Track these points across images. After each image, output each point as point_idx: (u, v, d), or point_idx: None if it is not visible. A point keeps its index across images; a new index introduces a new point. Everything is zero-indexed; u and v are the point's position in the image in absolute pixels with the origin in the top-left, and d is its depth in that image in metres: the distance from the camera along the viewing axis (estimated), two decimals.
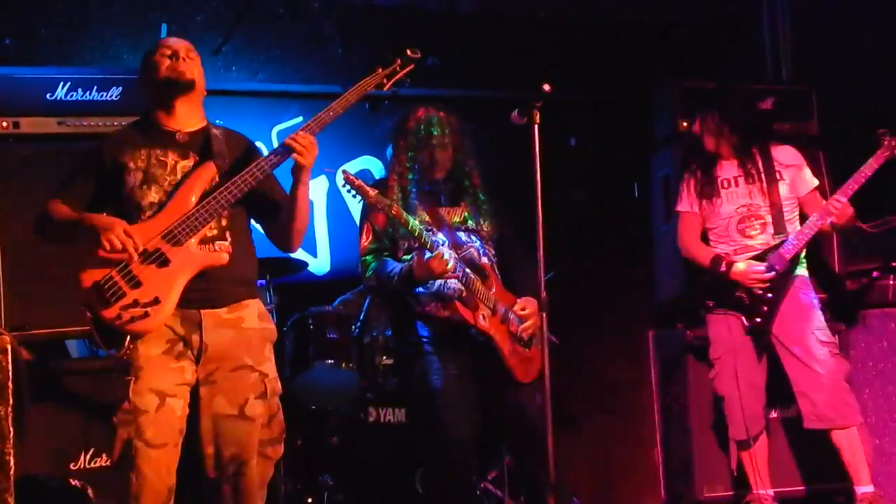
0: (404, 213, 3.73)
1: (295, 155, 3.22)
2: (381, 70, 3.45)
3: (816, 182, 4.65)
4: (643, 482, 5.69)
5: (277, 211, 3.38)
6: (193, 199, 3.19)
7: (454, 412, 3.79)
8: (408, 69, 3.48)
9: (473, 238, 3.98)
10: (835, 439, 4.46)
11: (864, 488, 4.46)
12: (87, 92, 4.52)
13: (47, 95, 4.51)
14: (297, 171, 3.28)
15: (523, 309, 3.94)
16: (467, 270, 3.83)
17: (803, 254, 4.63)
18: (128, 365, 3.12)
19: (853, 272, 5.33)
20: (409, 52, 3.47)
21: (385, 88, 3.46)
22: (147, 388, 3.10)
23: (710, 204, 4.67)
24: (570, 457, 5.01)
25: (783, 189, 4.61)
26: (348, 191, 3.72)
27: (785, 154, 4.68)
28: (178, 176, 3.24)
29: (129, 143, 3.29)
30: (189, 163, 3.27)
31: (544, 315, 3.56)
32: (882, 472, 4.89)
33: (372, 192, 3.69)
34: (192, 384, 3.19)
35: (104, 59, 5.16)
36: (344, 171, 3.75)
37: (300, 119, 5.66)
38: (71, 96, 4.49)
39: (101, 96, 4.54)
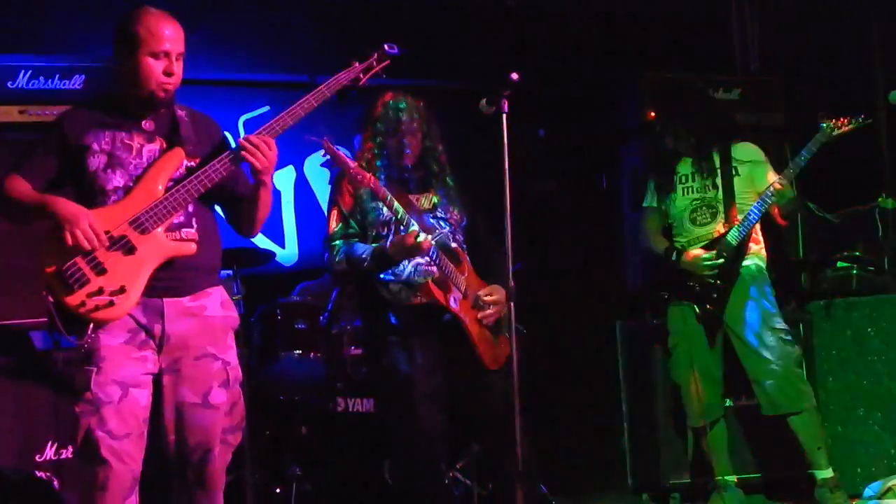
0: (383, 188, 3.72)
1: (248, 157, 3.16)
2: (357, 64, 3.41)
3: (776, 178, 4.69)
4: (610, 469, 5.72)
5: (240, 200, 3.34)
6: (161, 187, 3.13)
7: (422, 402, 3.79)
8: (384, 64, 3.45)
9: (443, 224, 3.98)
10: (790, 424, 4.53)
11: (823, 473, 4.51)
12: (50, 80, 4.47)
13: (8, 84, 4.46)
14: (253, 172, 3.23)
15: (489, 294, 3.94)
16: (440, 253, 3.83)
17: (760, 246, 4.70)
18: (90, 354, 3.07)
19: (818, 261, 5.38)
20: (386, 47, 3.45)
21: (361, 83, 3.43)
22: (110, 380, 3.06)
23: (668, 199, 4.78)
24: (538, 444, 5.02)
25: (738, 183, 4.68)
26: (328, 160, 3.71)
27: (744, 151, 4.76)
28: (145, 160, 3.17)
29: (93, 123, 3.18)
30: (155, 146, 3.20)
31: (512, 304, 3.57)
32: (844, 459, 4.93)
33: (352, 164, 3.69)
34: (154, 373, 3.15)
35: (67, 48, 5.08)
36: (325, 140, 3.73)
37: (267, 108, 5.63)
38: (33, 85, 4.45)
39: (64, 85, 4.49)
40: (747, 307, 4.58)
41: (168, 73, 3.16)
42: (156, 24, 3.15)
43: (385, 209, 3.82)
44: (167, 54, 3.15)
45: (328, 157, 3.69)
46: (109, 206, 3.11)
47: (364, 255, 3.85)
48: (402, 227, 3.72)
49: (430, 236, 3.77)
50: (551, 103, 6.02)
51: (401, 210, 3.73)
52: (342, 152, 3.70)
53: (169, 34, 3.15)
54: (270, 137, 3.20)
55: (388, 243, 3.77)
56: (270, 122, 3.24)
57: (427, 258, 3.81)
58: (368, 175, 3.70)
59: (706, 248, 4.62)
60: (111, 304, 3.03)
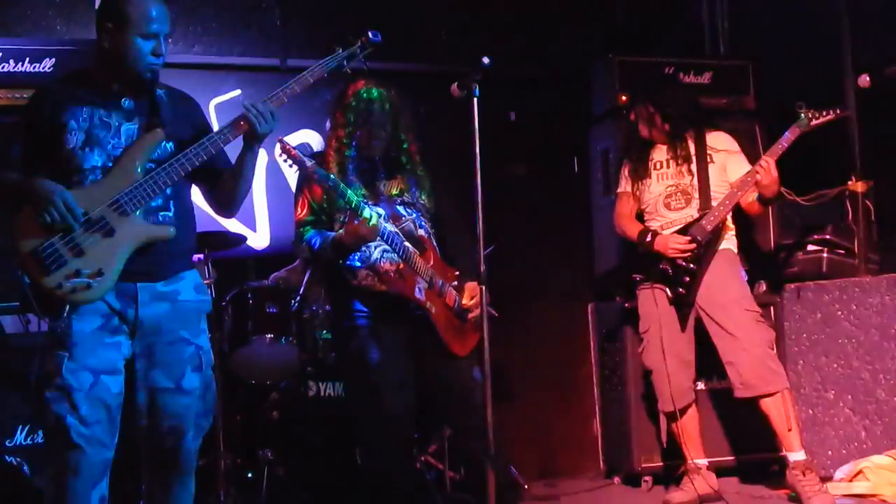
0: (341, 184, 3.71)
1: (253, 121, 3.17)
2: (341, 51, 3.41)
3: (749, 167, 4.71)
4: (582, 453, 5.76)
5: (219, 177, 3.32)
6: (139, 168, 3.10)
7: (391, 386, 3.80)
8: (367, 52, 3.45)
9: (410, 211, 3.98)
10: (763, 407, 4.55)
11: (795, 455, 4.54)
12: (19, 63, 4.43)
13: None
14: (250, 139, 3.23)
15: (470, 298, 3.95)
16: (405, 242, 3.83)
17: (732, 231, 4.73)
18: (61, 340, 3.05)
19: (788, 245, 5.41)
20: (370, 34, 3.44)
21: (344, 70, 3.43)
22: (82, 366, 3.03)
23: (643, 184, 4.82)
24: (510, 429, 5.05)
25: (713, 171, 4.72)
26: (285, 160, 3.69)
27: (718, 139, 4.80)
28: (123, 139, 3.14)
29: (71, 99, 3.14)
30: (134, 126, 3.17)
31: (484, 288, 3.57)
32: (815, 441, 4.99)
33: (309, 163, 3.67)
34: (127, 358, 3.13)
35: (36, 30, 5.03)
36: (281, 141, 3.72)
37: (238, 92, 5.58)
38: (2, 68, 4.40)
39: (34, 68, 4.46)
40: (720, 289, 4.61)
41: (157, 55, 3.15)
42: (145, 4, 3.13)
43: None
44: (156, 35, 3.13)
45: (285, 156, 3.66)
46: (88, 186, 3.08)
47: (325, 244, 3.84)
48: (356, 216, 3.70)
49: (388, 225, 3.75)
50: (522, 87, 6.02)
51: (354, 199, 3.71)
52: (297, 151, 3.67)
53: (158, 15, 3.14)
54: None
55: (343, 232, 3.77)
56: (266, 99, 3.23)
57: (392, 252, 3.80)
58: (324, 172, 3.68)
59: (680, 232, 4.65)
60: (88, 286, 3.00)
